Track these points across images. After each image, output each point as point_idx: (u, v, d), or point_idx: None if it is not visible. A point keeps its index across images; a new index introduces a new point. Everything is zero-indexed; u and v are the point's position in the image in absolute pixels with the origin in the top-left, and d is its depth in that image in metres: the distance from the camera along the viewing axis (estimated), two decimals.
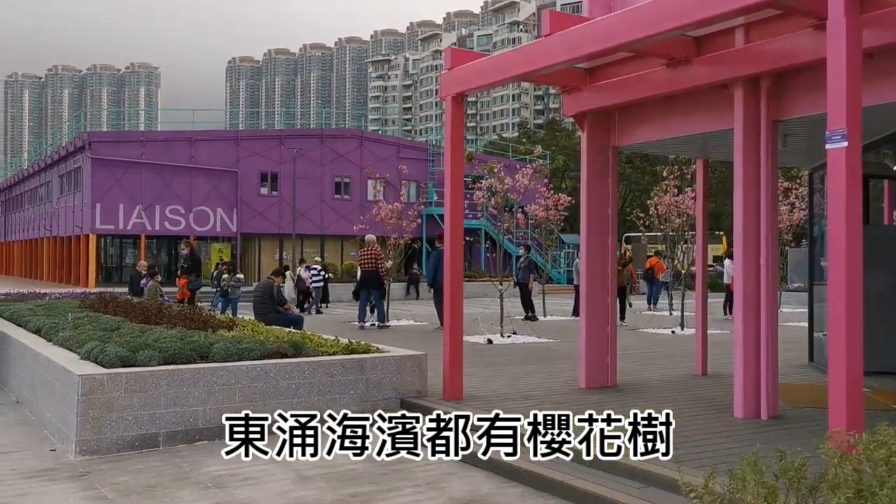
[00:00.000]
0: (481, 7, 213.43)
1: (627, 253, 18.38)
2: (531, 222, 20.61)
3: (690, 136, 8.73)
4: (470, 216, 43.28)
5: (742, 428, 6.98)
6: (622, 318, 18.04)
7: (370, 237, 17.81)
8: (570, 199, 20.25)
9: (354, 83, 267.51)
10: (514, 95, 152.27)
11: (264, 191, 40.90)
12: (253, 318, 11.82)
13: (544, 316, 20.11)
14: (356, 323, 17.63)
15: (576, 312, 20.67)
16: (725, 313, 20.25)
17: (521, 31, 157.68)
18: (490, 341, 13.89)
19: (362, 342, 8.73)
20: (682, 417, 6.96)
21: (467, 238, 43.67)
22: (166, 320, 9.77)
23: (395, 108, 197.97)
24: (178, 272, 16.69)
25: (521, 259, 20.03)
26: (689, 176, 16.56)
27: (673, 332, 16.02)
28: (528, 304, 19.44)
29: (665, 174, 16.86)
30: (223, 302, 20.99)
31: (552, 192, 20.17)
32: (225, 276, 21.77)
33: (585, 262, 9.16)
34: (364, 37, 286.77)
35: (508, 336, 14.59)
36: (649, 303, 23.09)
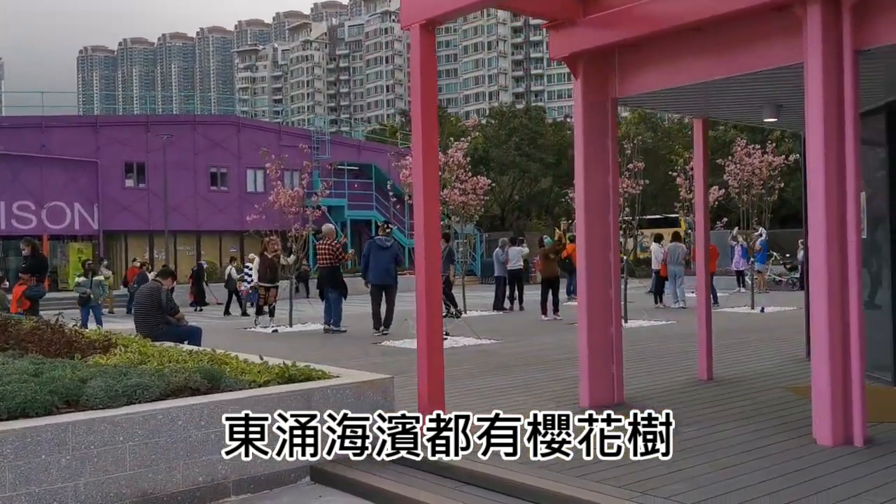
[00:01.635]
0: None
1: (563, 237, 16.70)
2: (449, 209, 18.52)
3: (700, 86, 6.88)
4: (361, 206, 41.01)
5: (847, 461, 5.15)
6: (556, 311, 16.28)
7: (328, 227, 15.25)
8: (489, 181, 18.30)
9: (219, 75, 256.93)
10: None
11: (130, 183, 36.92)
12: (135, 331, 9.13)
13: (465, 311, 18.10)
14: (322, 326, 15.08)
15: (497, 306, 18.77)
16: (657, 302, 18.92)
17: (394, 21, 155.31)
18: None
19: (299, 363, 6.35)
20: (755, 450, 5.07)
21: (355, 228, 41.25)
22: (14, 343, 7.00)
23: (265, 100, 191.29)
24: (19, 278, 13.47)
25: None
26: (628, 151, 14.91)
27: None
28: (450, 299, 17.37)
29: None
30: (83, 311, 17.81)
31: (469, 174, 18.16)
32: (80, 278, 18.56)
33: (584, 246, 7.13)
34: (228, 27, 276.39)
35: (444, 338, 12.43)
36: (568, 293, 21.54)
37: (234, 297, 24.11)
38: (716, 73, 6.43)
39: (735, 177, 17.35)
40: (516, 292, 19.04)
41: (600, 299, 7.19)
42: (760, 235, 24.94)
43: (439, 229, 6.33)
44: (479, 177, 18.20)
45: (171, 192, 34.76)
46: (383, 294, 14.05)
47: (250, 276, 20.17)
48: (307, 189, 15.96)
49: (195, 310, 25.19)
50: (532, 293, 20.47)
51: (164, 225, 34.54)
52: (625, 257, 15.40)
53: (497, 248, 19.33)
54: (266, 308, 16.19)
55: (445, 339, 12.15)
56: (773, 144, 17.55)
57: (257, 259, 16.36)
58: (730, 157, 17.59)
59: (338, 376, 6.19)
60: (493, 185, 51.14)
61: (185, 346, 7.73)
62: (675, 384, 8.17)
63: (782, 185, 17.53)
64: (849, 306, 5.59)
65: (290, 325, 15.70)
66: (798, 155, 14.05)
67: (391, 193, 36.84)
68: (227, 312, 23.60)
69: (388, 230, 15.04)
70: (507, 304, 19.10)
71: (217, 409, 5.19)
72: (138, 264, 26.82)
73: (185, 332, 9.77)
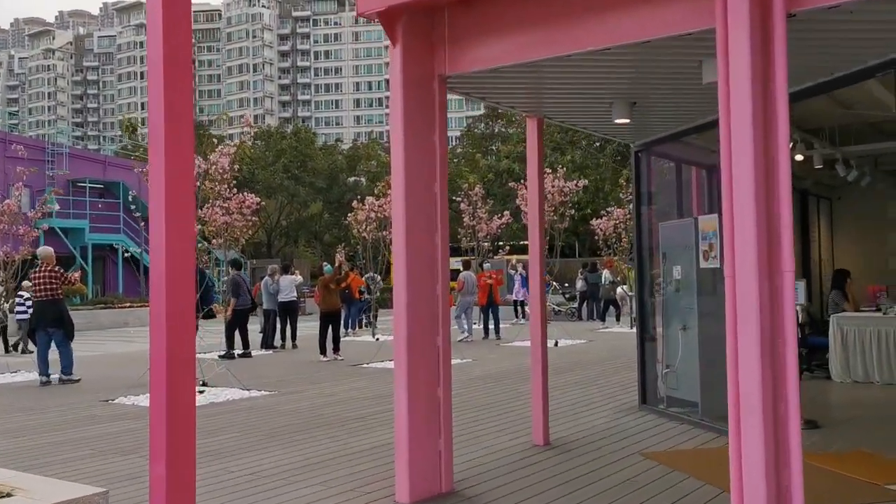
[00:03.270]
0: (100, 8, 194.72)
1: (343, 266, 14.59)
2: (209, 230, 15.78)
3: (542, 73, 5.26)
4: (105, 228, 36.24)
5: None
6: (336, 349, 14.13)
7: (44, 250, 11.80)
8: (259, 200, 15.83)
9: None
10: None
11: None
12: None
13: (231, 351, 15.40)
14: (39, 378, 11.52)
15: (266, 344, 16.30)
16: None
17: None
18: None
19: None
20: None
21: (99, 254, 36.37)
22: None
23: None
24: None
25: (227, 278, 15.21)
26: None
27: None
28: (230, 337, 14.66)
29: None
30: None
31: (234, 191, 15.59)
32: None
33: (404, 278, 5.12)
34: None
35: (201, 391, 9.85)
36: (346, 327, 19.47)
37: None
38: (589, 41, 4.74)
39: (526, 202, 16.31)
40: (288, 328, 16.66)
41: (426, 351, 5.21)
42: (514, 270, 24.59)
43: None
44: (246, 193, 15.69)
45: None
46: None
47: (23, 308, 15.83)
48: (37, 204, 12.61)
49: None
50: (308, 328, 18.16)
51: None
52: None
53: (266, 277, 16.84)
54: None
55: (202, 391, 9.63)
56: (563, 169, 16.77)
57: None
58: (523, 182, 16.54)
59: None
60: (262, 205, 48.22)
61: None
62: (509, 453, 6.36)
63: (573, 211, 16.75)
64: (785, 360, 4.03)
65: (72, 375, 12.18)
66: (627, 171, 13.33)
67: (136, 213, 32.73)
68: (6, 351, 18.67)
69: None
70: (277, 341, 16.64)
71: None
72: None
73: None
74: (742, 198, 3.93)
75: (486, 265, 19.28)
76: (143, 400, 9.47)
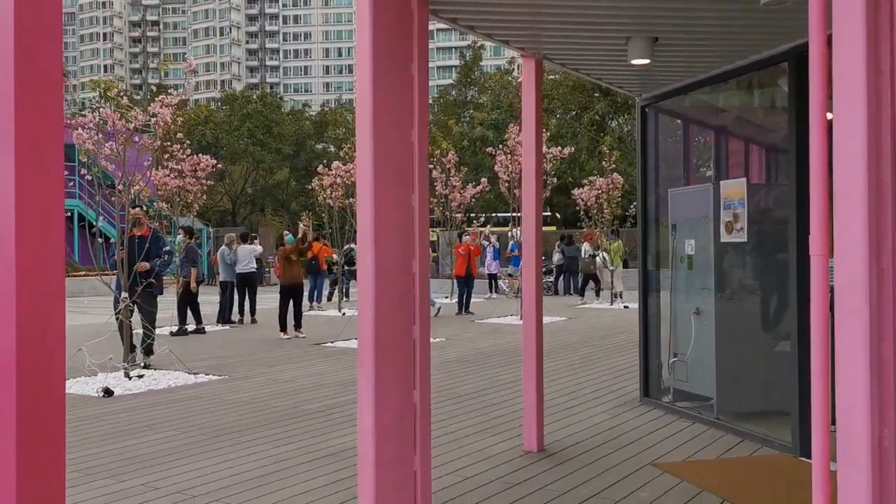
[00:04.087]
0: None
1: (308, 234, 13.28)
2: (158, 194, 14.46)
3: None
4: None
5: None
6: (297, 326, 12.95)
7: None
8: (215, 162, 14.50)
9: None
10: None
11: None
12: None
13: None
14: None
15: (222, 318, 15.08)
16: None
17: None
18: (108, 392, 7.84)
19: None
20: None
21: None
22: None
23: None
24: None
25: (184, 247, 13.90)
26: None
27: None
28: (182, 312, 13.44)
29: None
30: None
31: (187, 153, 14.26)
32: None
33: (371, 247, 3.96)
34: None
35: (140, 376, 8.65)
36: (311, 300, 18.29)
37: None
38: None
39: (506, 169, 15.19)
40: (247, 301, 15.43)
41: (398, 346, 4.07)
42: (513, 238, 23.50)
43: (59, 212, 2.81)
44: (201, 155, 14.39)
45: None
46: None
47: None
48: None
49: None
50: (270, 301, 16.94)
51: None
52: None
53: (223, 247, 15.55)
54: None
55: (141, 376, 8.44)
56: (547, 133, 15.63)
57: None
58: (501, 146, 15.40)
59: None
60: (224, 172, 46.35)
61: None
62: (497, 463, 5.27)
63: (555, 179, 15.65)
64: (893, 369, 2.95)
65: None
66: (627, 131, 12.17)
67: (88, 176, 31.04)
68: None
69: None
70: (235, 315, 15.42)
71: None
72: None
73: None
74: (849, 154, 2.81)
75: (465, 237, 18.15)
76: (68, 386, 8.26)
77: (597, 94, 35.76)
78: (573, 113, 35.11)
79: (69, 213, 34.33)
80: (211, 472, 5.11)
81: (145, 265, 9.35)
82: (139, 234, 9.59)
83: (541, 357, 5.72)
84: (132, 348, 9.11)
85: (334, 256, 17.74)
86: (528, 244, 5.84)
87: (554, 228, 32.79)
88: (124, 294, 8.63)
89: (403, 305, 4.10)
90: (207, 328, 14.10)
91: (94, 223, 9.95)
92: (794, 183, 5.33)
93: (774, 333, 6.44)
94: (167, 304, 13.87)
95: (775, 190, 6.30)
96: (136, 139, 8.64)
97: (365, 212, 3.95)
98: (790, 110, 5.45)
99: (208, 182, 14.52)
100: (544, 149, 15.18)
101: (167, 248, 10.19)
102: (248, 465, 5.24)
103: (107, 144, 8.55)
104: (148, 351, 9.61)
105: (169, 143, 12.63)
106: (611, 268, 19.45)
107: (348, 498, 4.51)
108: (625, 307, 18.01)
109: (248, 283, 15.31)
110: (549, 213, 35.62)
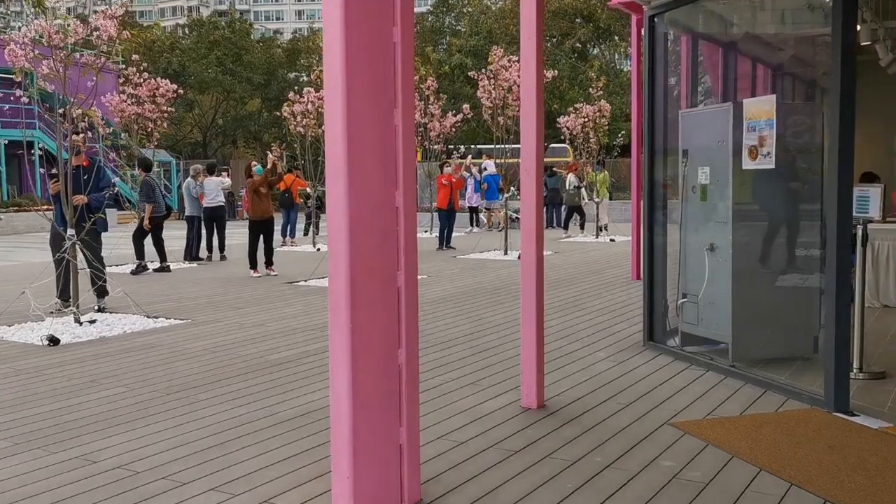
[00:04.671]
0: None
1: (277, 164, 12.29)
2: (111, 128, 13.46)
3: None
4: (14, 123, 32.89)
5: None
6: (268, 264, 12.15)
7: None
8: (175, 87, 13.44)
9: None
10: None
11: None
12: None
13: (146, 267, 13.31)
14: None
15: (190, 255, 14.26)
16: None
17: None
18: (53, 340, 7.04)
19: None
20: None
21: (12, 152, 33.11)
22: None
23: None
24: None
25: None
26: None
27: None
28: (139, 249, 12.59)
29: None
30: None
31: (143, 77, 13.17)
32: None
33: (344, 171, 3.15)
34: None
35: (92, 321, 7.85)
36: (284, 235, 17.46)
37: None
38: None
39: (489, 95, 14.26)
40: (215, 236, 14.56)
41: (380, 295, 3.31)
42: (485, 169, 22.63)
43: None
44: (160, 79, 13.32)
45: None
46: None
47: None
48: None
49: None
50: (238, 237, 16.11)
51: None
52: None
53: (188, 179, 14.59)
54: None
55: (93, 321, 7.66)
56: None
57: None
58: (483, 71, 14.43)
59: None
60: (193, 102, 44.73)
61: None
62: (493, 424, 4.59)
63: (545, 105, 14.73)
64: None
65: None
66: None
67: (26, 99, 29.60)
68: None
69: None
70: (203, 252, 14.58)
71: None
72: None
73: None
74: None
75: (446, 168, 17.28)
76: (11, 332, 7.45)
77: (578, 20, 34.52)
78: (554, 40, 33.87)
79: (31, 144, 32.86)
80: (160, 439, 4.38)
81: (81, 198, 8.43)
82: (76, 164, 8.66)
83: (541, 301, 5.00)
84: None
85: (308, 189, 16.84)
86: (527, 173, 5.06)
87: None
88: (70, 231, 7.75)
89: (385, 246, 3.33)
90: (173, 266, 13.27)
91: (53, 152, 8.86)
92: (837, 102, 4.55)
93: (801, 271, 5.76)
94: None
95: (808, 110, 5.54)
96: (78, 56, 7.64)
97: (335, 127, 3.13)
98: (834, 19, 4.63)
99: (169, 110, 13.47)
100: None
101: (111, 180, 9.27)
102: (203, 432, 4.51)
103: (44, 62, 7.57)
104: (101, 293, 8.79)
105: (124, 66, 11.59)
106: (596, 200, 18.75)
107: (320, 472, 3.81)
108: (611, 240, 17.38)
109: (216, 218, 14.43)
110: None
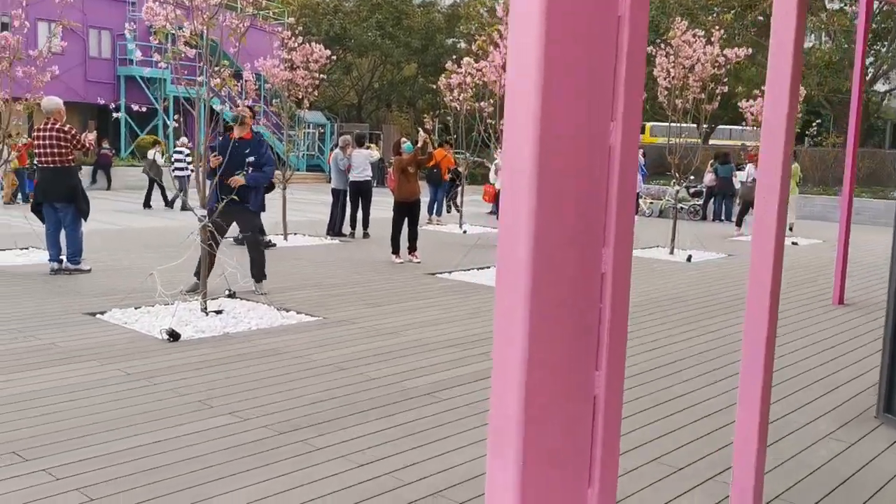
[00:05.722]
0: None
1: (430, 141, 11.38)
2: (268, 88, 12.94)
3: None
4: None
5: None
6: (412, 249, 11.25)
7: (50, 101, 9.12)
8: (329, 54, 12.72)
9: None
10: None
11: None
12: None
13: (285, 239, 12.80)
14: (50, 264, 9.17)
15: (332, 230, 13.67)
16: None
17: None
18: (174, 335, 6.35)
19: None
20: None
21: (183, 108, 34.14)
22: None
23: None
24: None
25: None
26: None
27: None
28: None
29: None
30: None
31: (298, 41, 12.53)
32: None
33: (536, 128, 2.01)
34: None
35: (218, 311, 7.16)
36: (431, 213, 16.62)
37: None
38: None
39: (667, 74, 12.67)
40: (360, 212, 13.87)
41: (571, 289, 2.15)
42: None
43: None
44: (314, 44, 12.63)
45: None
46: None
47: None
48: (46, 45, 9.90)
49: None
50: (382, 210, 15.39)
51: None
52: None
53: (336, 150, 13.93)
54: None
55: (219, 312, 6.98)
56: (721, 31, 12.91)
57: None
58: (662, 45, 12.83)
59: None
60: (352, 65, 44.86)
61: None
62: None
63: (726, 87, 13.01)
64: None
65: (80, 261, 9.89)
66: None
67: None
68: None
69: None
70: (346, 228, 13.93)
71: None
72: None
73: None
74: None
75: None
76: (135, 318, 6.85)
77: None
78: (734, 12, 31.14)
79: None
80: None
81: (238, 179, 7.83)
82: (240, 135, 8.07)
83: (768, 377, 3.68)
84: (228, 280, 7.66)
85: (460, 168, 15.89)
86: (770, 165, 3.72)
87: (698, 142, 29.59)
88: (202, 211, 7.05)
89: (585, 225, 2.17)
90: (316, 240, 12.67)
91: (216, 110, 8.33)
92: None
93: None
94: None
95: None
96: (221, 19, 6.87)
97: (520, 144, 1.99)
98: None
99: (321, 77, 12.79)
100: (716, 50, 12.52)
101: (272, 158, 8.58)
102: (318, 503, 3.55)
103: (185, 24, 6.85)
104: (259, 276, 8.29)
105: (280, 28, 10.91)
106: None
107: None
108: (793, 243, 15.41)
109: (362, 193, 13.70)
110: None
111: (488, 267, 10.72)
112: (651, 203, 21.25)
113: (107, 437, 4.21)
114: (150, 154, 19.98)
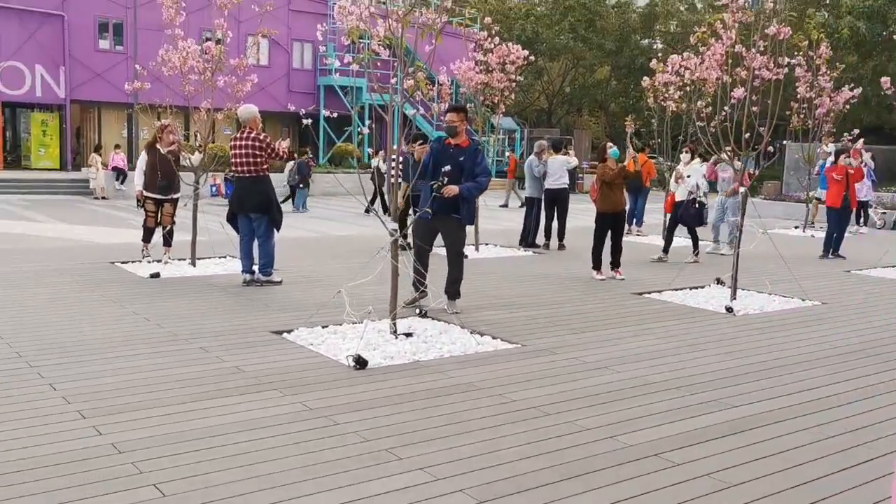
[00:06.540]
0: None
1: (632, 153, 10.34)
2: (463, 92, 12.43)
3: None
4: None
5: None
6: (615, 265, 10.22)
7: (246, 109, 9.10)
8: (527, 53, 11.96)
9: None
10: None
11: (104, 44, 30.82)
12: None
13: (476, 250, 12.16)
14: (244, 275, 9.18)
15: (526, 241, 12.90)
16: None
17: None
18: (360, 362, 5.76)
19: None
20: None
21: (378, 115, 34.90)
22: None
23: None
24: None
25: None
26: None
27: (729, 309, 8.29)
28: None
29: None
30: None
31: (494, 43, 11.87)
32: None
33: None
34: None
35: (408, 334, 6.55)
36: (630, 222, 15.43)
37: None
38: None
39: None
40: (555, 222, 12.99)
41: None
42: (829, 154, 18.33)
43: None
44: (511, 44, 11.92)
45: (149, 58, 28.69)
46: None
47: None
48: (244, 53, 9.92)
49: None
50: (579, 218, 14.41)
51: (145, 96, 28.66)
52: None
53: (531, 157, 13.14)
54: (161, 232, 10.30)
55: (409, 335, 6.36)
56: None
57: (144, 155, 10.43)
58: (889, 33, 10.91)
59: None
60: (542, 69, 44.13)
61: None
62: None
63: None
64: None
65: (194, 264, 9.96)
66: None
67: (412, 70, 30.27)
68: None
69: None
70: (540, 239, 13.10)
71: None
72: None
73: None
74: None
75: (843, 158, 13.87)
76: (321, 338, 6.37)
77: None
78: None
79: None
80: None
81: (453, 189, 7.29)
82: (455, 143, 7.55)
83: None
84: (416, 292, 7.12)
85: (666, 175, 14.59)
86: None
87: None
88: (393, 225, 6.47)
89: None
90: (508, 251, 11.95)
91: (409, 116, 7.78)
92: None
93: None
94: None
95: None
96: (417, 15, 6.27)
97: None
98: None
99: (518, 78, 12.05)
100: None
101: (489, 169, 7.93)
102: None
103: (380, 21, 6.31)
104: (453, 295, 7.71)
105: (476, 30, 10.29)
106: None
107: None
108: None
109: (559, 201, 12.83)
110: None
111: (702, 287, 9.50)
112: (884, 213, 18.76)
113: (278, 496, 3.62)
114: (375, 161, 20.45)
